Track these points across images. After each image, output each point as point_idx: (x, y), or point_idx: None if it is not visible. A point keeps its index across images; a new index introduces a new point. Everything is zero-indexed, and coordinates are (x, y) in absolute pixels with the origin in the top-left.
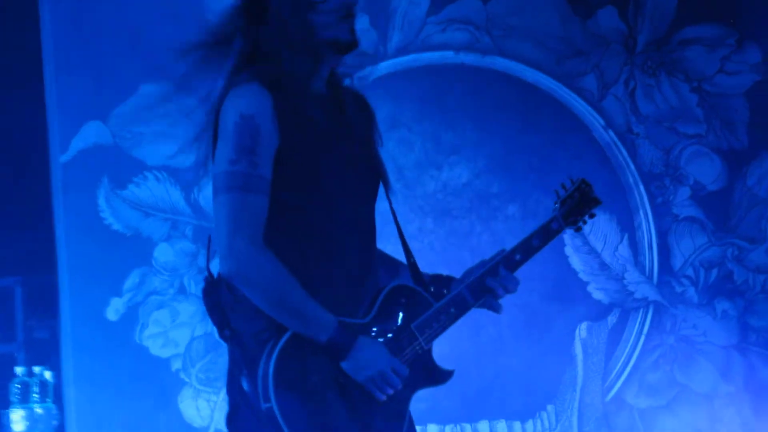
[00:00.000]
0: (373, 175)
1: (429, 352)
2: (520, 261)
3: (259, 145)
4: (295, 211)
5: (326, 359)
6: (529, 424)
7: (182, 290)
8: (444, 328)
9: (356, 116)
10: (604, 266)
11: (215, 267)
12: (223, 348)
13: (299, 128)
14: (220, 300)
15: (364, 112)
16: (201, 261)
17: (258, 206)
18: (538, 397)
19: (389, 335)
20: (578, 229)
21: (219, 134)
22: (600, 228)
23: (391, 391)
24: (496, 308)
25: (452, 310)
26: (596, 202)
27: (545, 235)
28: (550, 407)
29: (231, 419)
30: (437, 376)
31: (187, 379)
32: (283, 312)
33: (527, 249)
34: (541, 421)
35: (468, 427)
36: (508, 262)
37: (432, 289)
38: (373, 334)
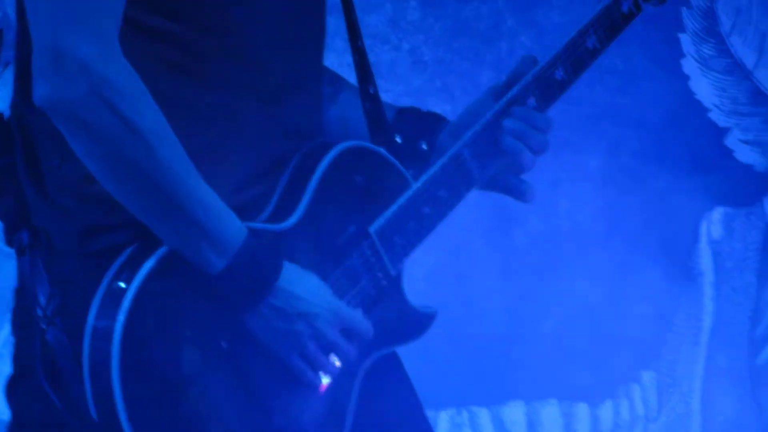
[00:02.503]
0: None
1: (397, 281)
2: (565, 81)
3: None
4: (173, 41)
5: (217, 307)
6: (606, 409)
7: None
8: (428, 232)
9: None
10: (760, 97)
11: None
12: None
13: None
14: (15, 165)
15: None
16: None
17: None
18: (624, 360)
19: (330, 255)
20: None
21: None
22: (752, 20)
23: (333, 368)
24: (520, 190)
25: (442, 192)
26: None
27: (610, 24)
28: (647, 377)
29: (12, 390)
30: (410, 324)
31: None
32: (156, 198)
33: (579, 56)
34: (630, 401)
35: (483, 412)
36: (543, 85)
37: (399, 141)
38: (302, 253)
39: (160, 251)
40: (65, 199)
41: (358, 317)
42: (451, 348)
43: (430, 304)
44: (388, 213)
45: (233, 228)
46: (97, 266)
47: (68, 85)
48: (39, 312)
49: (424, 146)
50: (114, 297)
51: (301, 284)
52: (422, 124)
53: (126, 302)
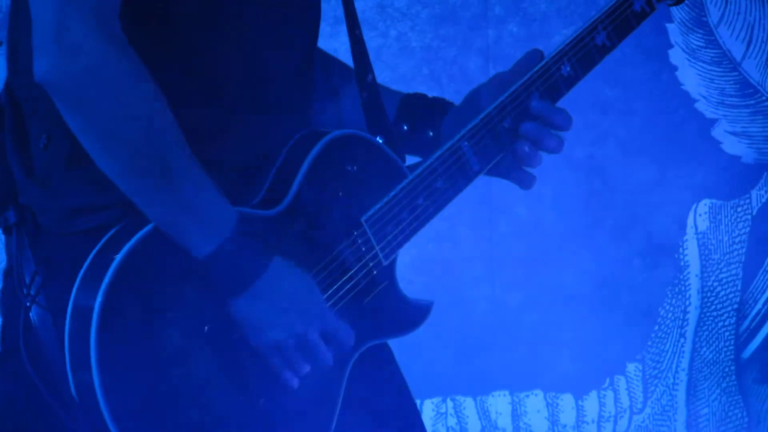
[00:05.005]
0: None
1: (390, 270)
2: (572, 77)
3: None
4: (170, 23)
5: (202, 291)
6: (591, 400)
7: None
8: (422, 224)
9: None
10: (748, 89)
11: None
12: None
13: None
14: (3, 144)
15: None
16: None
17: None
18: (610, 352)
19: (317, 242)
20: (680, 1)
21: None
22: (741, 10)
23: (307, 369)
24: (524, 180)
25: (439, 184)
26: None
27: (621, 22)
28: (631, 368)
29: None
30: (404, 315)
31: None
32: (148, 176)
33: (587, 53)
34: (615, 392)
35: (468, 402)
36: (550, 79)
37: (406, 129)
38: (290, 240)
39: (145, 230)
40: (52, 178)
41: (340, 324)
42: (436, 337)
43: (425, 297)
44: (381, 203)
45: (224, 213)
46: (82, 245)
47: (68, 61)
48: (24, 291)
49: (431, 134)
50: (96, 274)
51: (287, 281)
52: (428, 111)
53: (107, 279)
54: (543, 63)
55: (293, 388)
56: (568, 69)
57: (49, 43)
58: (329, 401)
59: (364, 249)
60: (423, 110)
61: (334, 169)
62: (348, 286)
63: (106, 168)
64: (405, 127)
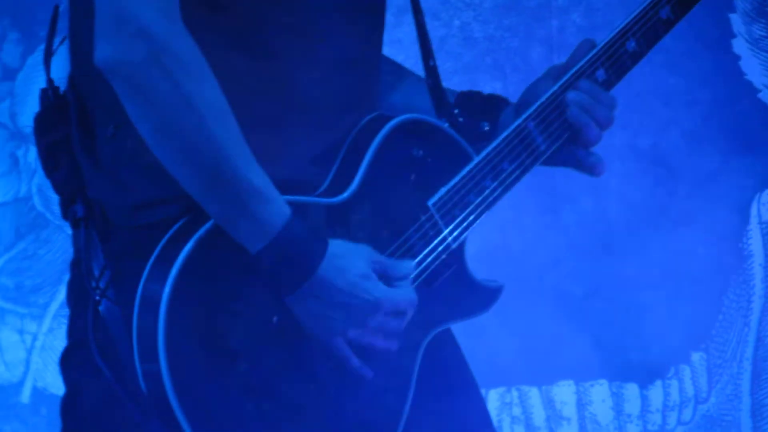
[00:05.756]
0: None
1: (459, 255)
2: (637, 53)
3: None
4: (233, 12)
5: (261, 284)
6: (656, 390)
7: None
8: (490, 206)
9: None
10: None
11: (59, 66)
12: (53, 234)
13: None
14: (71, 138)
15: None
16: (7, 53)
17: None
18: (674, 342)
19: (384, 228)
20: None
21: None
22: None
23: (382, 347)
24: (590, 164)
25: (505, 165)
26: None
27: None
28: (696, 358)
29: (66, 363)
30: (475, 298)
31: None
32: (200, 170)
33: (652, 26)
34: (680, 382)
35: (533, 391)
36: (615, 55)
37: (461, 121)
38: (356, 227)
39: (210, 223)
40: (118, 171)
41: (400, 296)
42: (502, 327)
43: (495, 279)
44: (448, 186)
45: (276, 210)
46: (149, 239)
47: (129, 48)
48: (93, 284)
49: (486, 127)
50: (164, 266)
51: (343, 274)
52: (484, 105)
53: (175, 270)
54: (607, 40)
55: (367, 378)
56: (633, 44)
57: (111, 29)
58: (402, 387)
59: (432, 233)
60: (480, 103)
61: (400, 154)
62: (416, 272)
63: (160, 157)
64: (461, 119)
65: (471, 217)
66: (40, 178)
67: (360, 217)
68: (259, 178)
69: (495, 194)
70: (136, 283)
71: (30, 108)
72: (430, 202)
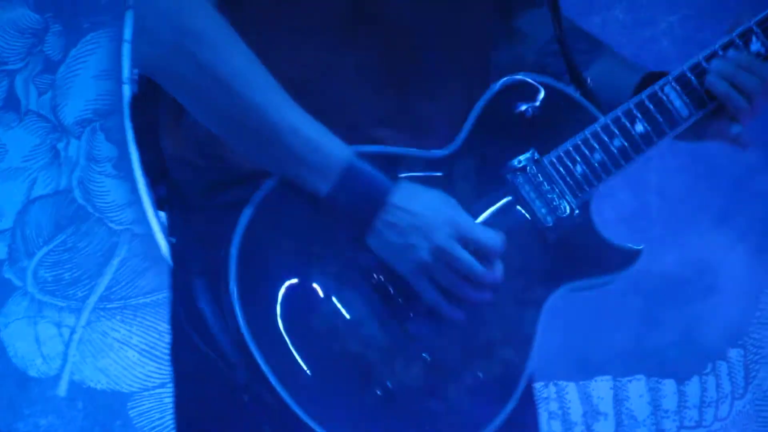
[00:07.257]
0: None
1: (584, 211)
2: None
3: None
4: None
5: (347, 238)
6: (693, 386)
7: (11, 102)
8: (619, 167)
9: None
10: None
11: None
12: (93, 227)
13: None
14: (158, 121)
15: None
16: (50, 45)
17: None
18: (712, 338)
19: (493, 185)
20: None
21: None
22: None
23: (474, 296)
24: (732, 135)
25: (637, 127)
26: None
27: None
28: (734, 354)
29: (177, 353)
30: (605, 258)
31: (18, 282)
32: (248, 136)
33: None
34: (717, 378)
35: (570, 387)
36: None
37: (590, 85)
38: (455, 179)
39: (272, 181)
40: (189, 153)
41: (480, 229)
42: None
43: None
44: (567, 144)
45: (334, 151)
46: (223, 220)
47: (154, 41)
48: (182, 265)
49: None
50: (233, 222)
51: (418, 199)
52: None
53: (243, 220)
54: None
55: (459, 319)
56: None
57: (136, 27)
58: (523, 345)
59: (547, 187)
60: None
61: (506, 112)
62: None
63: (216, 133)
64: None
65: (595, 175)
66: (80, 171)
67: (464, 170)
68: (308, 125)
69: (625, 155)
70: (216, 259)
71: (72, 101)
72: (546, 158)
